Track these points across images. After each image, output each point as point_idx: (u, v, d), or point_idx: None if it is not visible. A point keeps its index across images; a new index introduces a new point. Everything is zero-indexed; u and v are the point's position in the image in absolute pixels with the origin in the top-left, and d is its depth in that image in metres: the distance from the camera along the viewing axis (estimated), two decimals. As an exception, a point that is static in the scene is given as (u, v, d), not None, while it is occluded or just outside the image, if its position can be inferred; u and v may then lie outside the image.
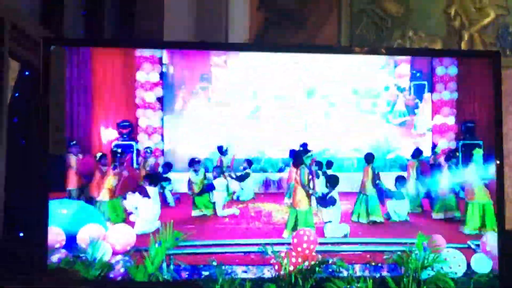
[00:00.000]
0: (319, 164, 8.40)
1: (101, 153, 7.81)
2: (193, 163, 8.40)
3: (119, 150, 7.96)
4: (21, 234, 6.16)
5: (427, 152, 9.31)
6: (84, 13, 8.24)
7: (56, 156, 6.70)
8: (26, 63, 6.67)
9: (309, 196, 7.40)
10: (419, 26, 9.64)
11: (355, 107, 10.10)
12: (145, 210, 7.35)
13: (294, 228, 7.14)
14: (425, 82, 10.20)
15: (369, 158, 8.24)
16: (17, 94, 6.23)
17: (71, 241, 6.50)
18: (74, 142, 8.20)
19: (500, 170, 6.51)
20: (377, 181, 8.08)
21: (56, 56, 6.14)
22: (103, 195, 7.46)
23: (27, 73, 6.44)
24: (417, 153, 8.86)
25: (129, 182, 7.81)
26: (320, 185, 7.88)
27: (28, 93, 6.55)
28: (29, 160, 6.58)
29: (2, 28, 5.88)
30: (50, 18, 7.28)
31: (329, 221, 7.48)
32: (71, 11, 7.75)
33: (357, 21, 9.67)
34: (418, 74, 10.30)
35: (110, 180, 7.53)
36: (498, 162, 6.50)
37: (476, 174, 7.41)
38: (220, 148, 8.87)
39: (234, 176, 8.83)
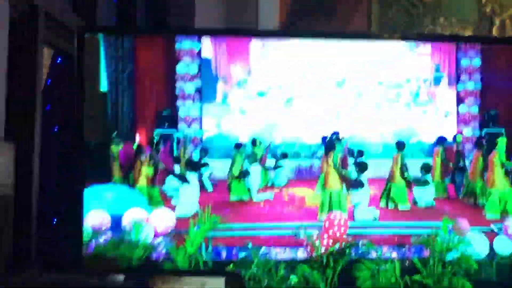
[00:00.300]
0: (350, 151, 8.41)
1: (139, 143, 7.87)
2: (238, 146, 8.44)
3: (155, 140, 8.00)
4: (54, 222, 6.19)
5: (450, 139, 9.28)
6: (116, 1, 8.27)
7: (93, 145, 6.76)
8: (59, 51, 6.69)
9: (340, 177, 7.43)
10: (450, 12, 9.53)
11: (382, 96, 10.05)
12: (185, 195, 7.41)
13: (328, 210, 7.16)
14: (446, 73, 10.13)
15: (400, 145, 8.22)
16: (49, 82, 6.24)
17: (116, 224, 6.61)
18: (116, 132, 8.27)
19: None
20: (405, 174, 8.06)
21: (90, 44, 6.17)
22: (142, 183, 7.51)
23: (59, 60, 6.45)
24: (441, 140, 8.83)
25: (166, 172, 7.88)
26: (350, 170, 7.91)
27: (61, 80, 6.56)
28: (62, 147, 6.61)
29: (36, 15, 5.88)
30: (83, 5, 7.30)
31: (358, 203, 7.49)
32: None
33: (387, 8, 9.59)
34: (440, 65, 10.23)
35: (147, 170, 7.58)
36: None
37: (498, 162, 7.40)
38: (253, 141, 8.87)
39: (267, 167, 8.86)
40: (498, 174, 7.43)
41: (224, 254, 6.57)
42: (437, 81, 10.09)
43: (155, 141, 8.45)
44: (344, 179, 7.50)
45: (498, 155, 7.41)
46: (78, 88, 5.90)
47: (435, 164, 8.54)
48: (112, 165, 7.60)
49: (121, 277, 5.79)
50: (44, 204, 6.05)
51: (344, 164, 7.65)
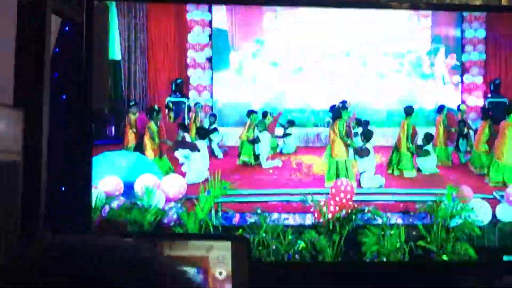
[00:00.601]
0: (358, 120, 8.34)
1: (150, 110, 7.78)
2: (251, 113, 8.39)
3: (156, 108, 7.88)
4: (63, 189, 6.10)
5: (453, 108, 9.21)
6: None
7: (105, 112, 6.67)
8: (67, 19, 6.57)
9: (347, 146, 7.35)
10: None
11: (387, 65, 9.99)
12: (195, 162, 7.35)
13: (335, 177, 7.10)
14: (449, 43, 10.02)
15: (408, 110, 8.11)
16: (57, 50, 6.09)
17: (129, 190, 6.56)
18: (133, 102, 8.21)
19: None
20: (408, 144, 7.94)
21: (99, 12, 6.06)
22: (150, 149, 7.46)
23: (67, 28, 6.30)
24: (442, 108, 8.74)
25: (176, 140, 7.82)
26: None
27: (69, 48, 6.44)
28: (70, 115, 6.49)
29: (44, -16, 5.74)
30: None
31: (364, 171, 7.41)
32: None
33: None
34: (441, 35, 10.12)
35: (153, 135, 7.50)
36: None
37: (509, 132, 7.27)
38: (264, 114, 8.81)
39: (276, 135, 8.80)
40: (508, 146, 7.29)
41: (233, 219, 6.51)
42: (437, 51, 10.00)
43: (166, 109, 8.39)
44: (350, 148, 7.42)
45: None
46: (87, 56, 5.79)
47: (438, 131, 8.47)
48: (127, 132, 7.55)
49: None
50: (52, 172, 5.94)
51: (349, 132, 7.55)
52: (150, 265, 0.79)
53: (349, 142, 7.36)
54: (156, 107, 7.86)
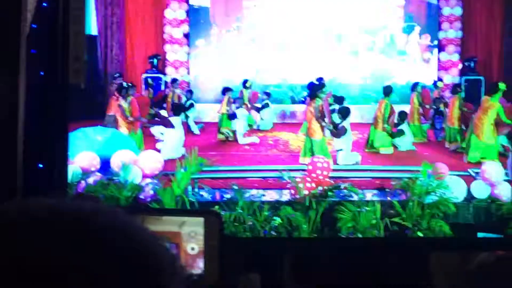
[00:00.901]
0: (335, 97, 8.34)
1: (126, 86, 7.72)
2: (226, 90, 8.36)
3: (124, 84, 7.82)
4: (41, 166, 6.02)
5: (429, 85, 9.25)
6: None
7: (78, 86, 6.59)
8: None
9: (322, 128, 7.33)
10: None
11: (363, 43, 10.02)
12: (170, 138, 7.32)
13: (310, 154, 7.09)
14: (422, 21, 10.03)
15: (387, 90, 8.10)
16: (35, 26, 5.98)
17: (105, 165, 6.53)
18: (118, 74, 8.15)
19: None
20: (385, 125, 7.92)
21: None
22: (123, 126, 7.43)
23: (44, 4, 6.19)
24: (415, 85, 8.75)
25: (150, 116, 7.80)
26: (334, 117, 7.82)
27: (46, 24, 6.33)
28: (48, 91, 6.40)
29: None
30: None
31: (341, 149, 7.40)
32: None
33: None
34: (416, 13, 10.12)
35: (125, 112, 7.46)
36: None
37: (491, 113, 7.26)
38: (244, 82, 8.80)
39: (255, 107, 8.80)
40: (488, 125, 7.29)
41: (210, 195, 6.48)
42: (412, 28, 10.05)
43: (145, 85, 8.34)
44: (325, 129, 7.40)
45: (497, 108, 7.25)
46: (63, 33, 5.70)
47: (412, 109, 8.49)
48: (111, 101, 7.56)
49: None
50: (29, 148, 5.86)
51: (327, 113, 7.53)
52: (128, 232, 0.75)
53: (324, 124, 7.34)
54: (125, 84, 7.79)
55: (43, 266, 0.70)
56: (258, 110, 8.81)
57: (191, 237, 1.45)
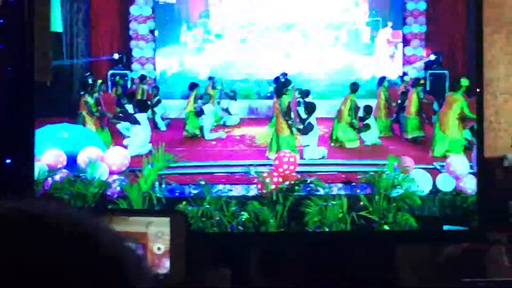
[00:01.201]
0: (301, 92, 8.35)
1: (91, 83, 7.68)
2: (193, 85, 8.35)
3: (89, 81, 7.80)
4: (8, 161, 5.97)
5: (395, 80, 9.29)
6: None
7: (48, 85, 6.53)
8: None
9: (288, 125, 7.34)
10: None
11: (328, 38, 10.04)
12: (136, 135, 7.29)
13: (276, 150, 7.09)
14: (386, 16, 10.07)
15: (353, 87, 8.13)
16: (1, 21, 5.93)
17: (72, 162, 6.50)
18: (89, 73, 8.12)
19: (480, 99, 6.27)
20: (351, 119, 7.95)
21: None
22: (90, 122, 7.40)
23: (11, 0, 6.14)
24: (382, 80, 8.80)
25: (116, 114, 7.76)
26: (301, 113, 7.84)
27: (13, 20, 6.28)
28: (16, 87, 6.34)
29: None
30: None
31: (307, 145, 7.42)
32: None
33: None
34: (376, 10, 10.15)
35: (90, 108, 7.43)
36: (478, 90, 6.29)
37: (455, 107, 7.29)
38: (211, 78, 8.79)
39: (222, 106, 8.79)
40: (453, 119, 7.32)
41: (177, 191, 6.49)
42: (378, 23, 10.08)
43: (108, 81, 8.30)
44: (292, 126, 7.41)
45: (461, 103, 7.27)
46: (29, 29, 5.66)
47: (379, 104, 8.51)
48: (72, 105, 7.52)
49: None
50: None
51: (293, 110, 7.54)
52: (92, 235, 0.75)
53: (290, 122, 7.35)
54: (90, 80, 7.76)
55: (43, 266, 0.70)
56: (230, 97, 8.79)
57: (157, 237, 1.46)
